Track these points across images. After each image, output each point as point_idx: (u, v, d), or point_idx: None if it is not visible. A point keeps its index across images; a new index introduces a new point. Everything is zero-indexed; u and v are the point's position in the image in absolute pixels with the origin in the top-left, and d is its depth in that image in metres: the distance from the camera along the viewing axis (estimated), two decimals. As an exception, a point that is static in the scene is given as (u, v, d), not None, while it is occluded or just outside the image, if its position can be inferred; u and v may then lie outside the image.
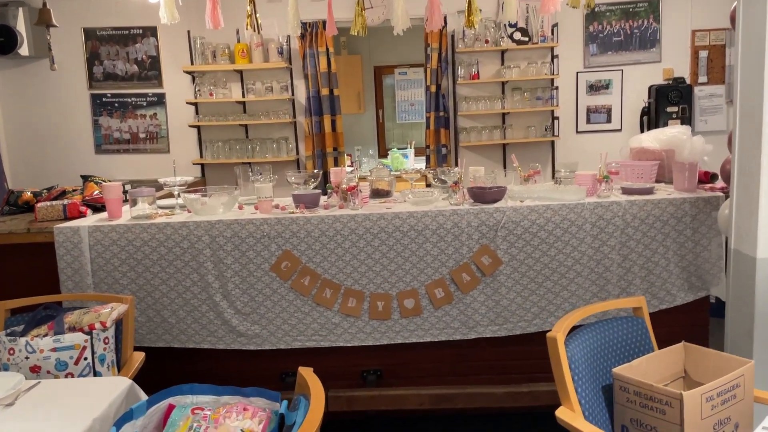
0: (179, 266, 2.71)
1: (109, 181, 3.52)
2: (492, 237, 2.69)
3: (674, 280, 2.75)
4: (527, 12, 4.85)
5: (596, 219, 2.68)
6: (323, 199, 3.05)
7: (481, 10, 3.30)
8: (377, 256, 2.71)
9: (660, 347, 1.88)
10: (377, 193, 3.22)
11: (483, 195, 2.76)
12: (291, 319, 2.75)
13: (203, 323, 2.75)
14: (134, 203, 2.82)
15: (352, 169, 6.25)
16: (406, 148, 6.47)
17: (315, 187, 3.22)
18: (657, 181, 3.22)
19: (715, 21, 5.01)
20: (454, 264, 2.70)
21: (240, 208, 2.98)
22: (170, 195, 3.19)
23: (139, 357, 2.26)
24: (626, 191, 2.87)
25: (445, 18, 4.77)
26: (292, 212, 2.77)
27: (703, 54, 5.05)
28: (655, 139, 3.34)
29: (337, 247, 2.70)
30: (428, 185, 3.31)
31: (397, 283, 2.72)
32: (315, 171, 3.24)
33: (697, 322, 2.80)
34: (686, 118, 5.00)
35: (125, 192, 3.27)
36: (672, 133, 3.26)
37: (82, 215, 2.93)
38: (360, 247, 2.70)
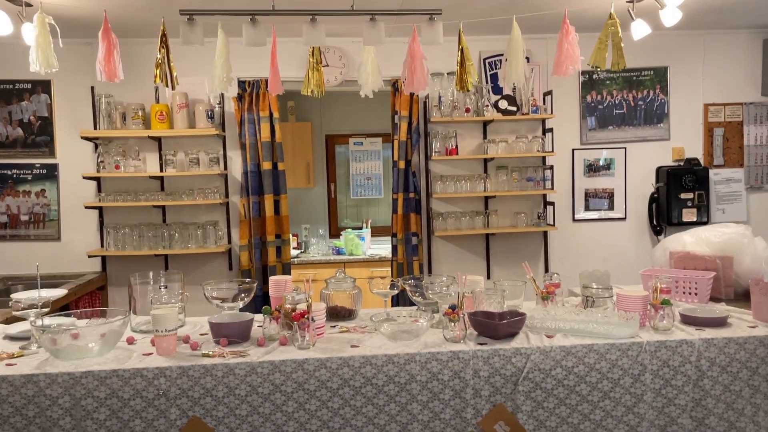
0: (19, 446, 1.83)
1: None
2: (510, 393, 1.96)
3: (766, 453, 2.06)
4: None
5: (659, 366, 2.00)
6: (257, 323, 2.27)
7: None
8: (337, 425, 1.92)
9: None
10: (335, 313, 2.47)
11: (495, 328, 2.05)
12: None
13: None
14: (-42, 339, 1.96)
15: (297, 252, 5.57)
16: (361, 228, 5.80)
17: (248, 305, 2.45)
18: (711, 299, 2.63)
19: (730, 94, 4.66)
20: (454, 435, 1.94)
21: (130, 342, 2.16)
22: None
23: None
24: (688, 320, 2.22)
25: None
26: (208, 354, 1.97)
27: (719, 132, 4.65)
28: (703, 241, 2.77)
29: (276, 411, 1.90)
30: (393, 284, 2.58)
31: (367, 465, 1.93)
32: (248, 281, 2.46)
33: None
34: (703, 207, 4.53)
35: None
36: (728, 234, 2.70)
37: None
38: (311, 410, 1.91)
